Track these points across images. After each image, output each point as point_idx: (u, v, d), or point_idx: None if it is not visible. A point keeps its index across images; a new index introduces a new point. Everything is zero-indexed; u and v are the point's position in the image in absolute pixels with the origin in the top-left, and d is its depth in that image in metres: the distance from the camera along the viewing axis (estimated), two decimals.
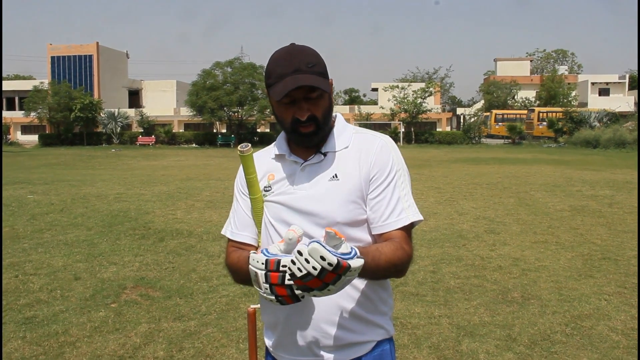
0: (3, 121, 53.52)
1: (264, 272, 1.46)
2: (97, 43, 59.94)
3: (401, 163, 1.77)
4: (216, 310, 5.13)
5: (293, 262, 1.37)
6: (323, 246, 1.35)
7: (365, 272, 1.53)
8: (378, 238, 1.72)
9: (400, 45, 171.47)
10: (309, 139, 1.72)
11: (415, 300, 5.38)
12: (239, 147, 1.76)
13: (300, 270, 1.36)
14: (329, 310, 1.68)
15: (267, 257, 1.46)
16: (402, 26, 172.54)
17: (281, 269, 1.43)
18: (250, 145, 1.77)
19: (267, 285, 1.46)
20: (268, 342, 1.84)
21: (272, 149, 1.87)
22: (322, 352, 1.71)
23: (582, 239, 8.14)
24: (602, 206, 11.18)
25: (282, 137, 1.85)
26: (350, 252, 1.40)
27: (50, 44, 60.89)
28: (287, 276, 1.43)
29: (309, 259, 1.34)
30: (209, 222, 9.49)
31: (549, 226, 9.13)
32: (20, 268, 6.56)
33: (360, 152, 1.74)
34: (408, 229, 1.72)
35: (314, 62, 1.67)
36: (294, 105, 1.67)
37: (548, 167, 21.20)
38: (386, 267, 1.61)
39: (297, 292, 1.45)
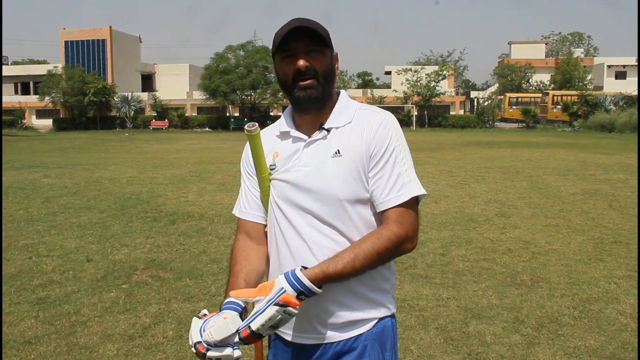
0: (18, 106, 54.02)
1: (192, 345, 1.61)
2: (110, 27, 60.01)
3: (401, 139, 1.76)
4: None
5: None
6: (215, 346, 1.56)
7: (342, 278, 1.63)
8: (381, 216, 1.72)
9: (414, 28, 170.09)
10: (308, 95, 1.71)
11: (423, 283, 5.39)
12: (246, 127, 1.77)
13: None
14: (331, 288, 1.69)
15: (195, 342, 1.59)
16: (416, 8, 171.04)
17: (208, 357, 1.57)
18: (257, 124, 1.78)
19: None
20: None
21: (276, 127, 1.88)
22: (324, 330, 1.73)
23: (593, 222, 8.09)
24: (615, 190, 11.09)
25: (287, 113, 1.86)
26: (255, 313, 1.56)
27: (64, 29, 61.04)
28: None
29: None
30: (220, 204, 9.54)
31: (560, 210, 9.09)
32: (34, 250, 6.66)
33: (362, 128, 1.74)
34: (412, 205, 1.71)
35: (317, 25, 1.71)
36: (294, 59, 1.70)
37: (562, 151, 21.02)
38: (366, 262, 1.64)
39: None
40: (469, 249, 6.65)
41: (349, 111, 1.79)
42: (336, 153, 1.72)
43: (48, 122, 53.81)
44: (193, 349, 1.57)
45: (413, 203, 1.71)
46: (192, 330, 1.60)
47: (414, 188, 1.71)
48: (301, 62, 1.69)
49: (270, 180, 1.80)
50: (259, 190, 1.84)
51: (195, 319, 1.63)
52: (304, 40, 1.68)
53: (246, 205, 1.89)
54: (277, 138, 1.84)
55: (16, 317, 4.54)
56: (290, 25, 1.68)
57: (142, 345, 4.03)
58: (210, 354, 1.53)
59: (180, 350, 3.95)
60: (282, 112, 1.92)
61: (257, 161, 1.79)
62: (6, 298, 4.99)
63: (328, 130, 1.76)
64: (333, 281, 1.61)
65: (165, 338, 4.16)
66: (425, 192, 1.74)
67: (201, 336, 1.56)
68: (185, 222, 8.27)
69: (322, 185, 1.70)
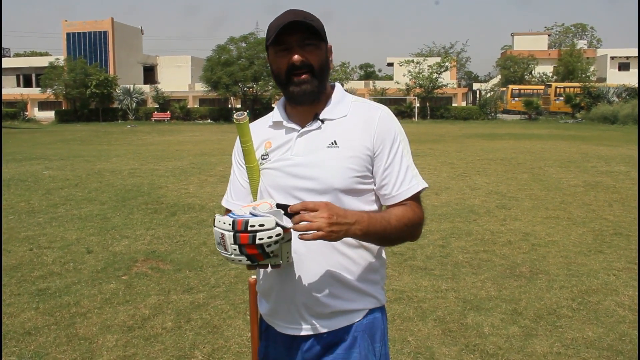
0: (21, 98, 54.06)
1: (231, 233, 1.47)
2: (112, 19, 59.87)
3: (403, 133, 1.79)
4: (225, 282, 5.20)
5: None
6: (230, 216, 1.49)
7: (377, 231, 1.60)
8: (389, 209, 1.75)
9: (417, 20, 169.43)
10: (302, 90, 1.69)
11: (423, 274, 5.40)
12: (234, 115, 1.76)
13: (220, 242, 1.49)
14: (320, 278, 1.70)
15: (233, 219, 1.48)
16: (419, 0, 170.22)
17: (249, 229, 1.45)
18: (246, 113, 1.77)
19: (236, 247, 1.47)
20: (262, 310, 1.87)
21: (269, 117, 1.87)
22: (313, 320, 1.73)
23: (594, 214, 8.09)
24: (616, 182, 11.07)
25: (280, 104, 1.85)
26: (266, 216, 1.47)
27: (66, 21, 60.93)
28: (258, 236, 1.45)
29: (215, 229, 1.50)
30: (221, 196, 9.38)
31: (561, 202, 9.08)
32: (35, 241, 6.68)
33: (361, 122, 1.74)
34: (419, 197, 1.76)
35: (312, 18, 1.69)
36: (289, 53, 1.68)
37: (564, 143, 20.98)
38: (398, 226, 1.65)
39: (269, 249, 1.47)
40: (468, 240, 6.65)
41: (345, 104, 1.79)
42: (332, 144, 1.71)
43: (50, 114, 53.83)
44: (227, 232, 1.47)
45: (419, 196, 1.76)
46: (220, 220, 1.50)
47: (421, 181, 1.76)
48: (296, 57, 1.67)
49: (259, 171, 1.79)
50: (247, 180, 1.83)
51: (217, 216, 1.53)
52: (299, 34, 1.66)
53: (233, 196, 1.89)
54: (270, 128, 1.83)
55: (16, 309, 4.56)
56: (285, 18, 1.66)
57: (141, 336, 4.05)
58: (252, 220, 1.45)
59: (179, 342, 3.97)
60: None
61: (245, 151, 1.78)
62: (6, 289, 5.01)
63: (322, 121, 1.75)
64: (368, 236, 1.60)
65: (164, 329, 4.17)
66: (427, 185, 1.79)
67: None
68: (185, 213, 8.28)
69: (318, 174, 1.69)
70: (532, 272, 5.46)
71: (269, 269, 1.59)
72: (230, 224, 1.47)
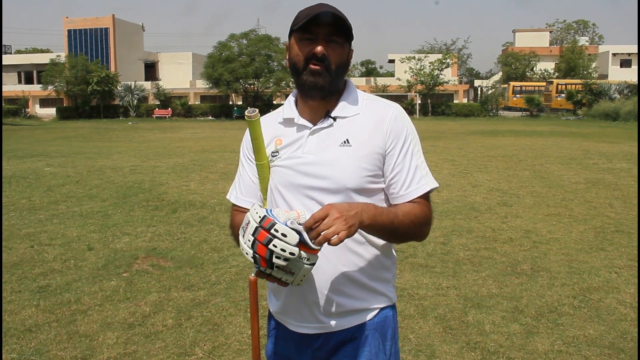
0: (22, 95, 54.09)
1: (256, 225, 1.46)
2: (113, 16, 59.86)
3: (414, 132, 1.76)
4: (225, 280, 5.19)
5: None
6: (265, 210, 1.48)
7: (384, 222, 1.57)
8: None
9: (418, 16, 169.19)
10: (315, 81, 1.66)
11: (423, 272, 5.39)
12: (246, 112, 1.72)
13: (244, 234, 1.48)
14: (333, 277, 1.69)
15: (265, 214, 1.46)
16: None
17: (272, 231, 1.43)
18: (257, 110, 1.72)
19: (252, 238, 1.45)
20: (272, 308, 1.86)
21: (279, 113, 1.83)
22: (325, 319, 1.72)
23: (595, 212, 8.07)
24: (618, 179, 11.05)
25: (290, 100, 1.81)
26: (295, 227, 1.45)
27: (67, 17, 60.90)
28: (273, 242, 1.42)
29: (247, 214, 1.49)
30: (222, 193, 9.53)
31: (562, 199, 9.06)
32: (36, 238, 6.68)
33: (373, 120, 1.72)
34: (427, 197, 1.74)
35: (344, 17, 1.67)
36: (313, 43, 1.65)
37: (565, 140, 20.95)
38: (405, 221, 1.63)
39: (276, 260, 1.43)
40: (470, 238, 6.64)
41: (357, 102, 1.76)
42: (345, 142, 1.69)
43: (51, 111, 53.84)
44: (252, 222, 1.45)
45: (428, 196, 1.74)
46: (256, 209, 1.49)
47: (430, 181, 1.74)
48: (319, 48, 1.64)
49: (269, 168, 1.76)
50: (257, 177, 1.80)
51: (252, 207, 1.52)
52: (328, 28, 1.64)
53: (242, 191, 1.85)
54: (280, 125, 1.80)
55: (17, 306, 4.56)
56: (317, 8, 1.63)
57: (141, 334, 4.05)
58: (278, 226, 1.42)
59: (179, 339, 3.97)
60: (285, 100, 1.88)
61: (255, 148, 1.75)
62: (7, 286, 5.01)
63: (334, 119, 1.73)
64: (376, 225, 1.56)
65: (165, 326, 4.17)
66: (438, 185, 1.77)
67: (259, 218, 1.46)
68: (186, 210, 8.28)
69: (330, 173, 1.67)
70: (533, 270, 5.45)
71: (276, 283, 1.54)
72: (260, 217, 1.46)
